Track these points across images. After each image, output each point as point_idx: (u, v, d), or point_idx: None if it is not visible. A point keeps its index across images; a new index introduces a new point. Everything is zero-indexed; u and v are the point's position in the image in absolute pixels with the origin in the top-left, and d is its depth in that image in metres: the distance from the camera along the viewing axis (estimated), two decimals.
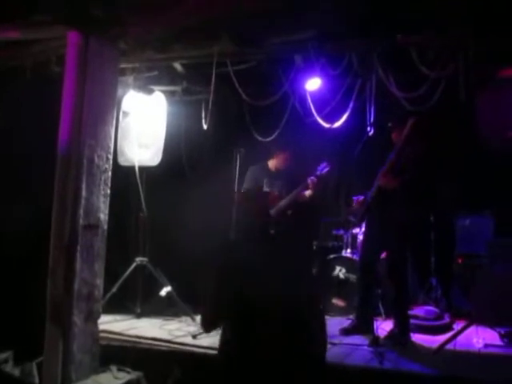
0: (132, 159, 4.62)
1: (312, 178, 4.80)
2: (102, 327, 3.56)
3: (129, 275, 4.51)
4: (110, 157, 3.60)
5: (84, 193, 3.35)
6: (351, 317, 4.64)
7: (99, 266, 3.47)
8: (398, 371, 3.12)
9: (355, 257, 5.14)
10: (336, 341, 3.81)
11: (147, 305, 4.64)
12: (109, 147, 3.60)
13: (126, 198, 4.81)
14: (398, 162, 4.01)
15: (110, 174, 3.58)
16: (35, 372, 3.33)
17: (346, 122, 4.62)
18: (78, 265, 3.28)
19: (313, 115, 4.67)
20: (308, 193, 4.81)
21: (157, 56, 4.19)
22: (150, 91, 4.57)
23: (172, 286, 4.55)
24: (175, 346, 3.67)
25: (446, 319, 4.42)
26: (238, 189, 4.68)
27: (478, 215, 5.20)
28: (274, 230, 2.80)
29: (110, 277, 3.91)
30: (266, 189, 4.90)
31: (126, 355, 3.56)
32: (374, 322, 3.78)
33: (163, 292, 4.52)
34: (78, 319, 3.27)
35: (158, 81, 4.76)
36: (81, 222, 3.31)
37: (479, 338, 3.80)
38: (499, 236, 4.90)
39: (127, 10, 3.39)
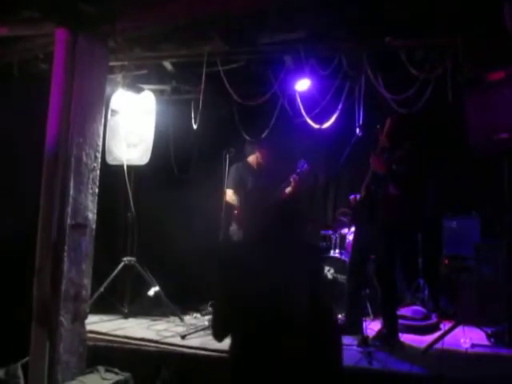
0: (120, 158, 4.58)
1: (294, 176, 4.83)
2: (89, 327, 3.52)
3: (116, 275, 4.47)
4: (99, 155, 3.56)
5: (72, 192, 3.31)
6: (340, 317, 4.65)
7: (87, 266, 3.43)
8: (387, 371, 3.13)
9: (343, 257, 5.15)
10: None
11: (135, 305, 4.60)
12: (97, 145, 3.56)
13: (115, 198, 4.77)
14: (385, 155, 4.05)
15: (98, 172, 3.54)
16: (20, 373, 3.26)
17: (335, 123, 4.64)
18: (66, 265, 3.24)
19: (302, 116, 4.69)
20: (288, 190, 4.84)
21: (146, 54, 4.17)
22: (139, 90, 4.54)
23: (160, 285, 4.52)
24: (163, 346, 3.64)
25: (434, 319, 4.45)
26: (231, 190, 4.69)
27: (465, 217, 5.25)
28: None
29: (98, 277, 3.86)
30: (250, 186, 4.91)
31: (114, 356, 3.53)
32: (363, 323, 3.79)
33: (151, 292, 4.48)
34: (64, 320, 3.23)
35: (147, 79, 4.74)
36: (68, 221, 3.27)
37: (466, 337, 3.83)
38: (486, 238, 4.95)
39: (117, 8, 3.36)
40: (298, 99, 4.65)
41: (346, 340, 3.86)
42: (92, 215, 3.48)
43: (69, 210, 3.28)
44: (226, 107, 5.33)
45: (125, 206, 4.68)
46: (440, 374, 3.09)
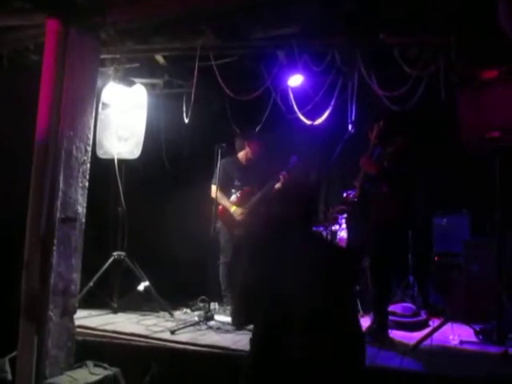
0: (111, 152, 4.54)
1: (283, 172, 4.82)
2: (78, 322, 3.50)
3: (106, 270, 4.44)
4: (89, 149, 3.53)
5: (61, 185, 3.28)
6: None
7: (76, 260, 3.40)
8: (377, 367, 3.14)
9: None
10: None
11: (124, 300, 4.57)
12: (88, 139, 3.53)
13: (105, 192, 4.74)
14: (376, 151, 4.06)
15: (88, 166, 3.51)
16: (8, 368, 3.24)
17: (328, 119, 4.64)
18: (55, 259, 3.21)
19: (295, 112, 4.68)
20: (278, 186, 4.82)
21: (138, 47, 4.13)
22: (131, 83, 4.50)
23: (150, 280, 4.50)
24: (153, 341, 3.61)
25: (423, 316, 4.47)
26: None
27: (456, 215, 5.28)
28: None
29: (87, 271, 3.84)
30: (237, 183, 4.89)
31: (103, 351, 3.50)
32: None
33: (141, 287, 4.45)
34: (53, 314, 3.21)
35: (138, 73, 4.70)
36: (58, 214, 3.24)
37: (455, 334, 3.86)
38: (476, 235, 4.99)
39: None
40: (291, 95, 4.64)
41: None
42: (82, 209, 3.45)
43: (58, 203, 3.25)
44: (218, 102, 5.31)
45: (115, 200, 4.64)
46: (428, 370, 3.11)
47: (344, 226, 5.10)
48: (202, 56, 4.15)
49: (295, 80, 4.46)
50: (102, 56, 3.93)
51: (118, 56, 4.26)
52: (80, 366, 3.31)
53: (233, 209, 4.80)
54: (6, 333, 3.19)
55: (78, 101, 3.44)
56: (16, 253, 3.20)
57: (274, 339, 2.06)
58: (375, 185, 3.96)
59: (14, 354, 3.18)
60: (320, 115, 4.63)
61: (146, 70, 4.73)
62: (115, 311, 4.50)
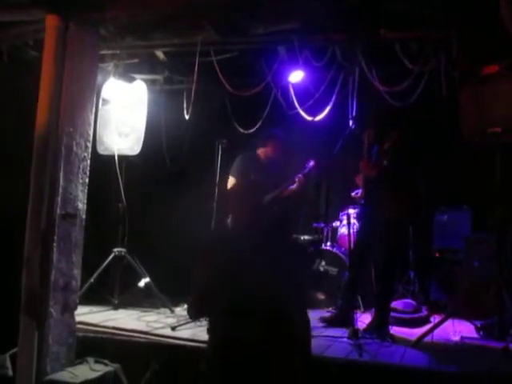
0: (111, 148, 4.53)
1: (299, 175, 4.78)
2: (78, 318, 3.50)
3: (107, 266, 4.44)
4: (89, 145, 3.52)
5: (62, 181, 3.26)
6: (331, 309, 4.68)
7: (77, 257, 3.40)
8: (377, 363, 3.14)
9: (335, 250, 5.16)
10: (316, 333, 3.81)
11: (125, 296, 4.57)
12: (88, 135, 3.51)
13: (105, 188, 4.73)
14: (373, 153, 4.05)
15: (88, 162, 3.50)
16: (9, 364, 3.24)
17: (329, 115, 4.61)
18: (55, 255, 3.20)
19: (295, 108, 4.66)
20: (292, 188, 4.80)
21: (138, 43, 4.11)
22: (131, 79, 4.48)
23: (150, 277, 4.50)
24: (154, 337, 3.62)
25: (424, 312, 4.48)
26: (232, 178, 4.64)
27: (456, 210, 5.27)
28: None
29: (88, 267, 3.84)
30: (253, 178, 4.86)
31: (104, 347, 3.50)
32: (354, 314, 3.80)
33: (142, 283, 4.46)
34: (54, 310, 3.20)
35: (138, 69, 4.69)
36: (58, 211, 3.23)
37: (456, 330, 3.86)
38: (476, 231, 4.98)
39: None
40: (292, 91, 4.62)
41: (337, 332, 3.88)
42: (82, 205, 3.44)
43: (58, 199, 3.24)
44: (218, 98, 5.30)
45: (116, 196, 4.64)
46: (429, 366, 3.12)
47: (345, 222, 5.08)
48: (202, 52, 4.13)
49: (296, 76, 4.45)
50: (102, 52, 3.93)
51: (117, 52, 4.24)
52: (81, 363, 3.31)
53: None
54: (7, 329, 3.19)
55: (78, 97, 3.42)
56: (17, 249, 3.20)
57: (232, 326, 2.23)
58: (377, 186, 3.96)
59: (14, 350, 3.18)
60: (321, 111, 4.61)
61: (146, 65, 4.72)
62: (116, 307, 4.50)
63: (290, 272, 2.36)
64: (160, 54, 4.48)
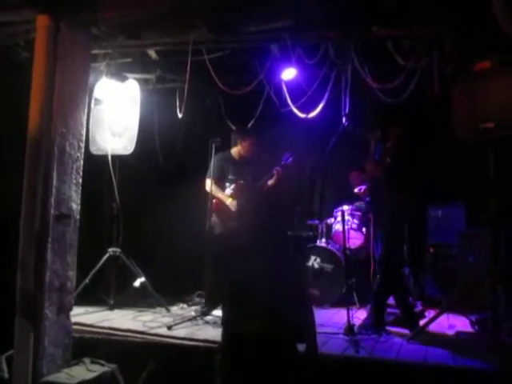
0: (104, 148, 4.51)
1: (277, 168, 4.83)
2: (74, 319, 3.48)
3: (102, 266, 4.43)
4: (82, 145, 3.50)
5: (55, 182, 3.24)
6: (325, 306, 4.71)
7: (71, 257, 3.38)
8: (374, 359, 3.16)
9: (330, 247, 5.18)
10: None
11: (120, 296, 4.56)
12: (81, 135, 3.49)
13: (99, 188, 4.71)
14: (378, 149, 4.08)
15: (81, 162, 3.48)
16: (4, 366, 3.22)
17: (322, 112, 4.62)
18: (50, 256, 3.18)
19: (288, 105, 4.67)
20: (271, 182, 4.84)
21: (130, 42, 4.09)
22: (124, 78, 4.47)
23: (146, 276, 4.49)
24: (150, 337, 3.62)
25: (419, 307, 4.50)
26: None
27: (450, 206, 5.30)
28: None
29: (83, 268, 3.83)
30: (231, 177, 4.90)
31: (100, 348, 3.49)
32: (350, 311, 3.81)
33: (137, 283, 4.45)
34: (49, 312, 3.18)
35: (131, 68, 4.66)
36: (52, 212, 3.21)
37: (451, 325, 3.89)
38: (470, 226, 5.01)
39: None
40: (285, 88, 4.63)
41: (333, 328, 3.90)
42: (76, 206, 3.43)
43: (52, 200, 3.22)
44: (211, 96, 5.29)
45: (109, 196, 4.62)
46: (425, 361, 3.14)
47: (339, 219, 5.09)
48: (194, 50, 4.12)
49: (288, 73, 4.45)
50: (94, 51, 3.90)
51: (109, 51, 4.23)
52: (77, 363, 3.29)
53: (229, 201, 4.80)
54: (3, 331, 3.17)
55: (70, 97, 3.40)
56: (11, 250, 3.18)
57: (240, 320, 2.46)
58: (383, 185, 3.99)
59: (10, 352, 3.16)
60: (314, 108, 4.62)
61: (139, 65, 4.69)
62: (111, 308, 4.49)
63: (290, 267, 2.46)
64: (152, 53, 4.46)
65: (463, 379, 2.97)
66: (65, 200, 3.34)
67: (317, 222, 5.53)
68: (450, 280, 4.66)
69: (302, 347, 2.55)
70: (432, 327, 3.85)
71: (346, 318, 3.80)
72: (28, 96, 3.22)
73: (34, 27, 3.32)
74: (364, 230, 5.15)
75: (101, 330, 3.75)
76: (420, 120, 4.81)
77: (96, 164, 4.35)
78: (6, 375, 3.18)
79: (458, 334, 3.79)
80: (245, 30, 3.86)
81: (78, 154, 3.46)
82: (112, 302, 4.52)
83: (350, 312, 3.81)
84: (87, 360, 3.33)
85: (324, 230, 5.37)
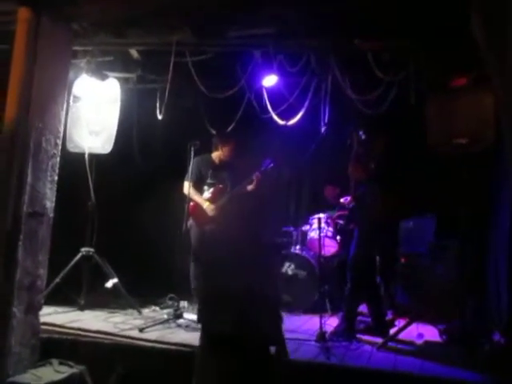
0: (82, 146, 4.45)
1: (257, 173, 4.85)
2: (43, 319, 3.42)
3: (74, 266, 4.35)
4: (59, 142, 3.45)
5: (29, 179, 3.19)
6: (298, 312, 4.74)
7: (43, 256, 3.32)
8: (345, 366, 3.19)
9: (304, 253, 5.21)
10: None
11: (92, 297, 4.49)
12: (58, 131, 3.44)
13: (75, 186, 4.63)
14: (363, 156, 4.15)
15: (58, 159, 3.43)
16: None
17: (302, 120, 4.66)
18: (20, 254, 3.12)
19: (268, 112, 4.69)
20: (250, 187, 4.86)
21: (112, 40, 4.05)
22: (104, 76, 4.42)
23: (119, 277, 4.43)
24: (121, 339, 3.57)
25: (389, 316, 4.56)
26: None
27: (421, 217, 5.39)
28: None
29: (55, 267, 3.76)
30: (209, 180, 4.90)
31: (69, 348, 3.44)
32: (322, 318, 3.84)
33: (109, 284, 4.39)
34: (17, 310, 3.11)
35: (112, 67, 4.61)
36: (25, 209, 3.15)
37: (420, 334, 3.95)
38: (440, 237, 5.11)
39: None
40: (265, 95, 4.65)
41: (304, 335, 3.92)
42: (50, 204, 3.37)
43: (26, 197, 3.16)
44: (192, 99, 5.27)
45: (85, 194, 4.55)
46: (394, 368, 3.19)
47: (314, 226, 5.13)
48: (177, 52, 4.10)
49: (269, 80, 4.48)
50: (75, 48, 3.85)
51: (90, 48, 4.18)
52: (44, 364, 3.23)
53: (206, 204, 4.79)
54: None
55: (49, 92, 3.35)
56: None
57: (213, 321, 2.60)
58: (367, 189, 4.04)
59: None
60: (294, 116, 4.66)
61: (120, 63, 4.64)
62: (82, 308, 4.41)
63: (263, 271, 2.63)
64: (134, 52, 4.42)
65: None
66: (39, 197, 3.28)
67: (292, 228, 5.56)
68: (419, 289, 4.74)
69: (272, 350, 2.64)
70: (401, 336, 3.91)
71: (318, 325, 3.83)
72: (5, 89, 3.16)
73: (13, 19, 3.27)
74: (338, 238, 5.20)
75: (70, 331, 3.69)
76: (397, 131, 4.91)
77: (72, 162, 4.28)
78: None
79: (427, 342, 3.86)
80: (228, 35, 3.88)
81: (55, 151, 3.41)
82: (83, 302, 4.44)
83: (323, 319, 3.85)
84: (55, 361, 3.27)
85: (299, 236, 5.40)
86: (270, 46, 4.03)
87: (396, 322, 4.45)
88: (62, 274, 4.24)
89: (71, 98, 4.35)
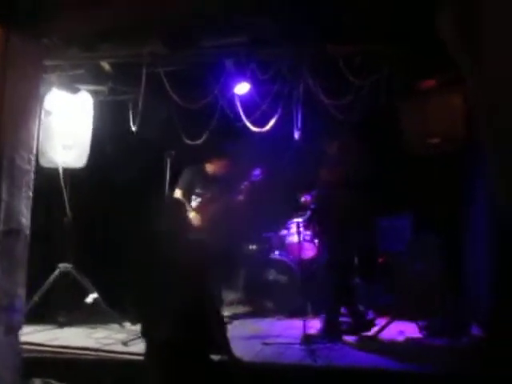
0: (55, 161, 4.39)
1: (246, 183, 4.86)
2: (23, 338, 3.34)
3: (52, 283, 4.28)
4: (33, 158, 3.41)
5: (4, 196, 3.13)
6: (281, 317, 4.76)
7: (20, 275, 3.26)
8: (331, 367, 3.23)
9: (284, 258, 5.24)
10: (269, 341, 3.87)
11: (72, 313, 4.42)
12: (31, 148, 3.40)
13: (50, 202, 4.56)
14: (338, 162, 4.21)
15: (32, 175, 3.38)
16: None
17: (276, 126, 4.70)
18: None
19: (242, 119, 4.72)
20: (240, 198, 4.87)
21: (83, 54, 4.03)
22: (75, 90, 4.38)
23: (99, 292, 4.38)
24: (104, 354, 3.53)
25: (370, 315, 4.62)
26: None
27: (398, 216, 5.49)
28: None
29: (32, 284, 3.69)
30: (198, 190, 4.90)
31: (51, 367, 3.38)
32: (305, 321, 3.88)
33: (89, 299, 4.32)
34: None
35: (82, 79, 4.56)
36: (1, 226, 3.10)
37: (401, 331, 4.03)
38: (418, 235, 5.20)
39: (53, 5, 3.22)
40: (238, 103, 4.68)
41: (289, 339, 3.94)
42: (26, 221, 3.31)
43: (1, 215, 3.11)
44: (165, 109, 5.25)
45: (61, 210, 4.48)
46: (378, 366, 3.25)
47: (293, 230, 5.17)
48: (149, 63, 4.11)
49: (242, 88, 4.52)
50: (45, 62, 3.81)
51: (61, 63, 4.14)
52: None
53: (192, 214, 4.79)
54: None
55: (21, 108, 3.31)
56: None
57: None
58: (333, 194, 4.10)
59: None
60: (267, 122, 4.70)
61: (91, 76, 4.60)
62: (62, 325, 4.33)
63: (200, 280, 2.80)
64: (105, 64, 4.40)
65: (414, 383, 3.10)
66: (14, 215, 3.22)
67: (270, 234, 5.58)
68: (399, 288, 4.82)
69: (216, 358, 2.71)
70: (383, 334, 3.98)
71: (301, 329, 3.86)
72: None
73: None
74: (316, 241, 5.25)
75: (51, 349, 3.62)
76: (371, 134, 5.00)
77: (48, 177, 4.22)
78: None
79: (408, 339, 3.93)
80: (200, 45, 3.90)
81: (29, 167, 3.36)
82: (62, 319, 4.36)
83: (306, 322, 3.88)
84: (38, 380, 3.21)
85: (278, 242, 5.43)
86: (242, 55, 4.07)
87: (377, 321, 4.52)
88: (39, 292, 4.16)
89: (42, 112, 4.29)
